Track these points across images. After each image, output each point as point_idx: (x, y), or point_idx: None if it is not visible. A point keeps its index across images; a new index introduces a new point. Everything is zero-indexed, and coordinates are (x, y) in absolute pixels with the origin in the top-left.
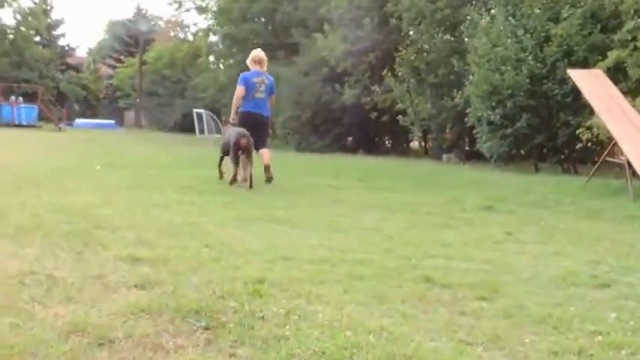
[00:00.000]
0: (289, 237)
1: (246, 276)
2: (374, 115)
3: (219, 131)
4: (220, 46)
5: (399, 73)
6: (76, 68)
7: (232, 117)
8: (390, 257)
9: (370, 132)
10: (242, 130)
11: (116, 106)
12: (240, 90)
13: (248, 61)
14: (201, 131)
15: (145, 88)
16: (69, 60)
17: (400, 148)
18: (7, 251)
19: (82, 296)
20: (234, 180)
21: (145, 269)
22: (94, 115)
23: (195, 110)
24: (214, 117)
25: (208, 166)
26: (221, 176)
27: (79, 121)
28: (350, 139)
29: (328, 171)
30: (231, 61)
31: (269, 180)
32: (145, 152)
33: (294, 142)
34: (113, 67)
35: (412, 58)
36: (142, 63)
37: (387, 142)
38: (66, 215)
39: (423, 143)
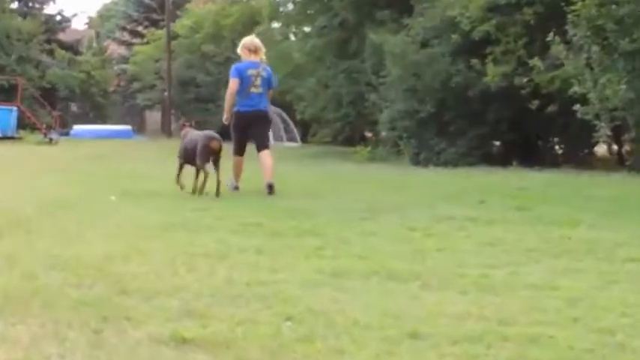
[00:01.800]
0: (418, 301)
1: None
2: (534, 104)
3: (293, 137)
4: (290, 6)
5: (573, 38)
6: (72, 48)
7: (225, 116)
8: (578, 331)
9: (529, 131)
10: (210, 132)
11: (133, 104)
12: (233, 83)
13: (240, 50)
14: None
15: (176, 74)
16: (61, 36)
17: (578, 156)
18: None
19: None
20: (201, 190)
21: (199, 356)
22: (101, 119)
23: None
24: (284, 116)
25: (281, 193)
26: (182, 187)
27: (78, 127)
28: (497, 143)
29: (467, 195)
30: (307, 29)
31: (271, 192)
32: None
33: (410, 151)
34: (128, 45)
35: (593, 13)
36: (172, 37)
37: (556, 147)
38: (73, 274)
39: (615, 147)
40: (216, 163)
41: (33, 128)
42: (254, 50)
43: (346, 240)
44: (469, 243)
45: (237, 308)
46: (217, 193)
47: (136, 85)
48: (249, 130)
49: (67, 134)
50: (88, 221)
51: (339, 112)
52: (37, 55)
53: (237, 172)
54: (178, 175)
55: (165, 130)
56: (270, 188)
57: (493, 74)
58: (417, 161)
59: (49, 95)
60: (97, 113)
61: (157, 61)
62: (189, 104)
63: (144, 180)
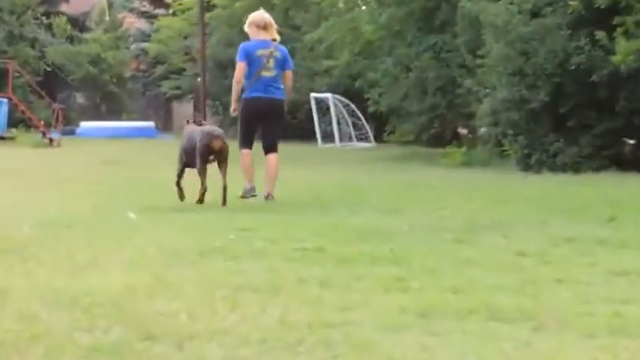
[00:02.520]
0: (530, 348)
1: None
2: None
3: (365, 136)
4: None
5: None
6: (79, 23)
7: (233, 107)
8: None
9: None
10: (211, 128)
11: (156, 94)
12: (241, 67)
13: (247, 28)
14: (327, 136)
15: (212, 55)
16: (64, 8)
17: None
18: None
19: None
20: (201, 199)
21: None
22: (116, 113)
23: (313, 96)
24: (353, 107)
25: (350, 208)
26: (181, 197)
27: (86, 125)
28: (631, 142)
29: (593, 209)
30: None
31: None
32: (216, 183)
33: (518, 152)
34: (150, 18)
35: None
36: (206, 6)
37: None
38: (84, 313)
39: None
40: (221, 166)
41: (28, 125)
42: (264, 27)
43: (436, 269)
44: (596, 272)
45: (296, 357)
46: (224, 202)
47: (159, 69)
48: (259, 121)
49: (72, 133)
50: (102, 245)
51: (425, 102)
52: (33, 31)
53: (248, 170)
54: (178, 182)
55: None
56: (267, 196)
57: (624, 52)
58: (526, 165)
59: (48, 82)
60: (110, 106)
61: (186, 37)
62: (229, 93)
63: (171, 192)
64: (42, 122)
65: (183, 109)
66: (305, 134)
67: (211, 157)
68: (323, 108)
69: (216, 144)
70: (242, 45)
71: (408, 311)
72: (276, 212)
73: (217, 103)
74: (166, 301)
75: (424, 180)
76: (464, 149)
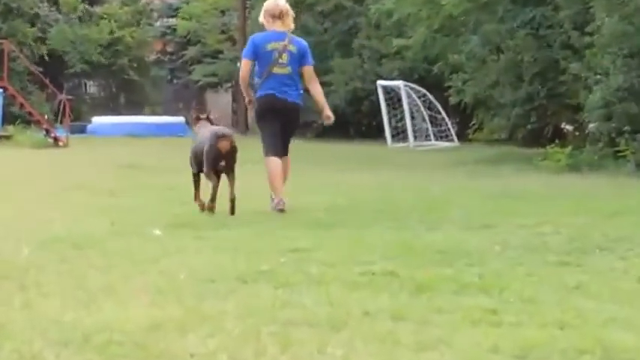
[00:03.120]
0: None
1: None
2: None
3: (445, 133)
4: None
5: None
6: None
7: (247, 100)
8: None
9: None
10: (220, 128)
11: (186, 82)
12: (245, 65)
13: (262, 18)
14: (398, 134)
15: (252, 34)
16: None
17: None
18: None
19: None
20: (210, 207)
21: None
22: (136, 106)
23: (381, 84)
24: (430, 98)
25: (425, 222)
26: (202, 207)
27: (99, 120)
28: None
29: None
30: None
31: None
32: (260, 188)
33: (636, 153)
34: None
35: None
36: None
37: None
38: (99, 354)
39: None
40: (228, 171)
41: (28, 121)
42: (279, 16)
43: (536, 298)
44: None
45: None
46: (231, 211)
47: (190, 51)
48: (277, 119)
49: (82, 131)
50: (120, 269)
51: (520, 90)
52: (35, 4)
53: (276, 180)
54: (196, 191)
55: (240, 122)
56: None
57: None
58: None
59: (52, 68)
60: (129, 97)
61: (223, 12)
62: None
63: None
64: (45, 117)
65: (220, 100)
66: (370, 132)
67: (222, 163)
68: (393, 99)
69: (223, 145)
70: (251, 37)
71: (502, 351)
72: (337, 228)
73: None
74: (201, 338)
75: (519, 187)
76: (569, 149)
